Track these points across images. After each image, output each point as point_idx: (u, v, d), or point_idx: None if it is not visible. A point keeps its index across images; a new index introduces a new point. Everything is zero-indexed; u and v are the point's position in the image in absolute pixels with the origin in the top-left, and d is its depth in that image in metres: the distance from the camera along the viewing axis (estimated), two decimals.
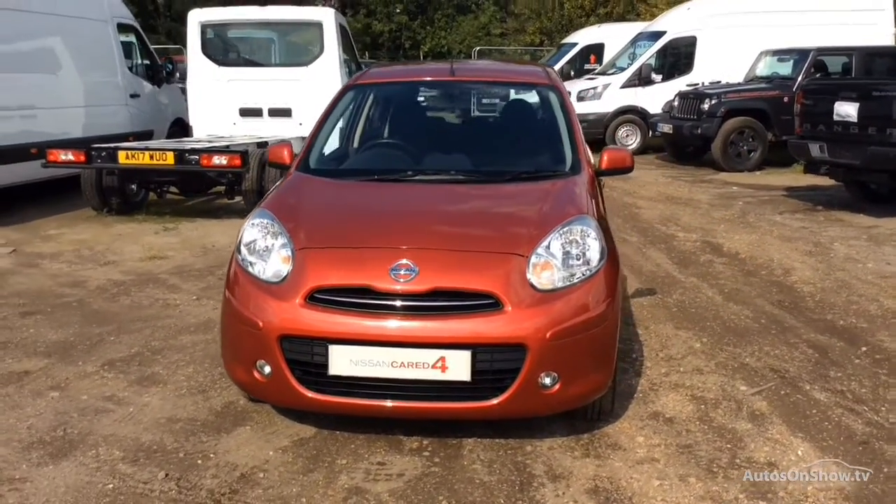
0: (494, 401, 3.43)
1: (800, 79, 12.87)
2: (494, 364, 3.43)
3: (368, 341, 3.40)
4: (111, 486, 3.42)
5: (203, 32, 11.25)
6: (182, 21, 17.68)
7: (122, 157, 8.60)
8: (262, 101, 10.99)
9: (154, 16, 36.26)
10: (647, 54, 16.30)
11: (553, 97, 4.85)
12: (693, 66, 15.99)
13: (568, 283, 3.56)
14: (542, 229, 3.69)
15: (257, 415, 4.05)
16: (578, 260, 3.63)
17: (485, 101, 5.62)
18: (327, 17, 11.11)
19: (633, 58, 16.96)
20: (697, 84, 15.02)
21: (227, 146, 8.89)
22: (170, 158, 8.48)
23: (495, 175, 4.45)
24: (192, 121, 11.37)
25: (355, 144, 5.27)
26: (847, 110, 8.91)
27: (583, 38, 21.60)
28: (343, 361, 3.42)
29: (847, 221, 8.93)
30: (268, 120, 11.11)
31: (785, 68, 14.07)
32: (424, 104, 5.47)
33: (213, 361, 4.69)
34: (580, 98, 16.27)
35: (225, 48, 11.78)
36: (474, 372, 3.39)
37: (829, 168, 9.62)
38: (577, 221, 3.75)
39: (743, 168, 13.31)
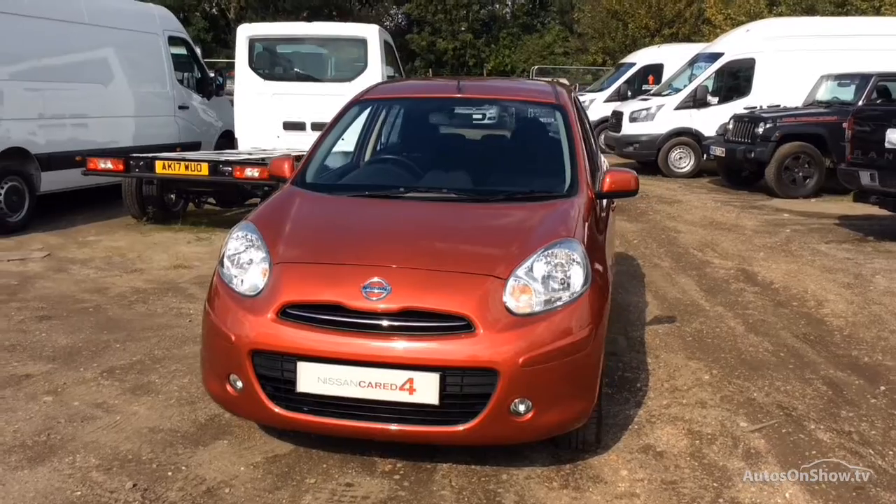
0: (464, 426, 3.32)
1: (860, 104, 12.42)
2: (465, 388, 3.33)
3: (337, 359, 3.33)
4: (79, 493, 3.42)
5: (251, 47, 11.44)
6: None
7: (158, 166, 8.76)
8: (306, 115, 11.07)
9: (226, 31, 37.27)
10: (703, 76, 15.95)
11: (558, 116, 4.74)
12: (751, 88, 15.57)
13: (547, 308, 3.45)
14: (525, 251, 3.58)
15: (238, 429, 4.02)
16: (560, 284, 3.51)
17: (488, 119, 5.53)
18: (372, 34, 11.18)
19: (690, 79, 16.64)
20: (755, 107, 14.64)
21: (263, 159, 8.96)
22: (204, 169, 8.59)
23: (488, 195, 4.35)
24: (238, 133, 11.55)
25: (355, 159, 5.23)
26: None
27: (641, 58, 21.32)
28: (311, 379, 3.37)
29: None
30: (311, 134, 11.16)
31: (846, 93, 13.60)
32: (427, 121, 5.41)
33: None
34: (632, 119, 16.03)
35: (271, 62, 11.95)
36: (443, 395, 3.29)
37: (878, 197, 9.23)
38: (562, 245, 3.63)
39: (798, 195, 12.88)
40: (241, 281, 3.65)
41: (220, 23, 39.60)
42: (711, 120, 15.21)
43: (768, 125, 12.98)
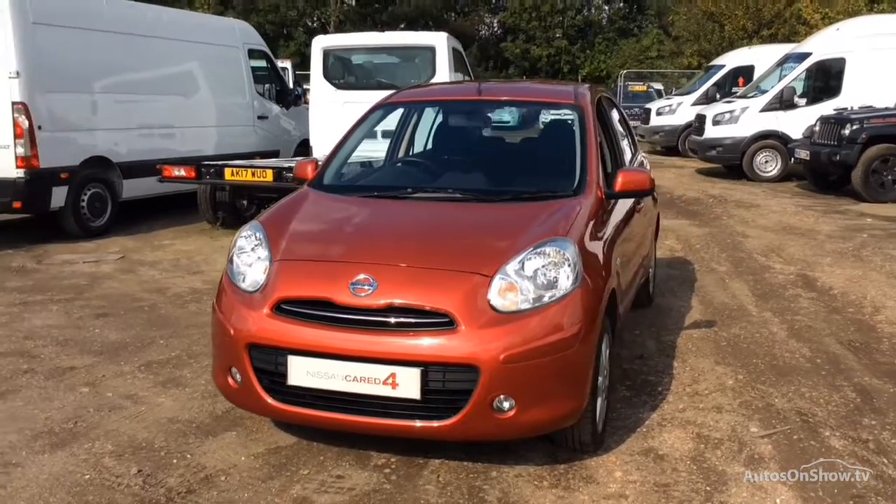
0: (446, 421, 3.37)
1: None
2: (447, 384, 3.38)
3: (324, 353, 3.44)
4: (88, 476, 3.63)
5: (325, 57, 11.74)
6: None
7: (227, 173, 9.14)
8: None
9: None
10: (790, 77, 15.41)
11: (575, 117, 4.72)
12: (841, 89, 14.95)
13: (534, 306, 3.46)
14: (514, 250, 3.60)
15: (249, 421, 4.18)
16: (548, 282, 3.52)
17: (505, 120, 5.55)
18: (440, 41, 11.31)
19: (780, 80, 16.10)
20: (845, 108, 14.05)
21: None
22: (269, 176, 8.92)
23: (495, 195, 4.38)
24: (312, 141, 11.84)
25: (385, 162, 5.34)
26: None
27: (731, 60, 20.78)
28: (300, 372, 3.48)
29: None
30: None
31: None
32: (447, 123, 5.48)
33: None
34: (715, 122, 15.64)
35: (344, 72, 12.22)
36: (424, 391, 3.35)
37: None
38: (553, 243, 3.64)
39: (886, 199, 12.29)
40: (244, 277, 3.81)
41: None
42: (799, 122, 14.67)
43: (854, 126, 12.45)
